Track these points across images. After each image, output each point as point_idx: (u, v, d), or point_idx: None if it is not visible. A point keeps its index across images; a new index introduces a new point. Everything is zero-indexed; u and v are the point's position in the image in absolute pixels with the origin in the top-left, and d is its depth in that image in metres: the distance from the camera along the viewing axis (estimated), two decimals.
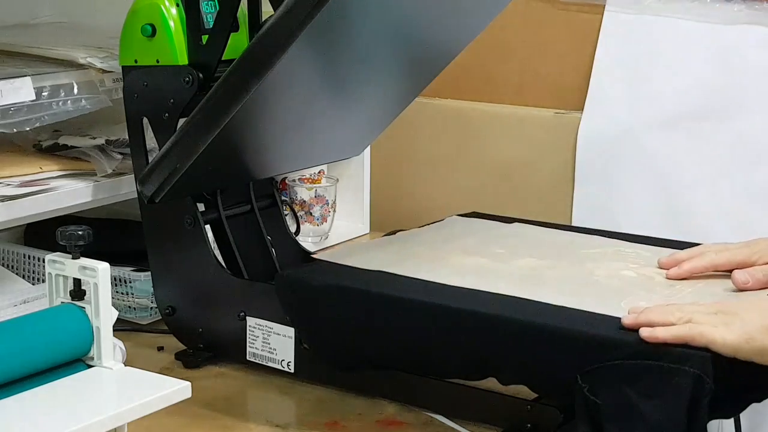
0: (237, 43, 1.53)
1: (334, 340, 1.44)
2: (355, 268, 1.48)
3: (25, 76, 1.57)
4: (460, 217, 1.74)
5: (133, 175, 1.58)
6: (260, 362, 1.52)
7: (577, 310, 1.28)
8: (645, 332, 1.17)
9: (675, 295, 1.35)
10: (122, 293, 1.73)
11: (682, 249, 1.50)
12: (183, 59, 1.51)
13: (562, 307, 1.29)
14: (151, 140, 1.56)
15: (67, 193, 1.60)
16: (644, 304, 1.27)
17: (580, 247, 1.56)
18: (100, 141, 1.69)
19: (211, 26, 1.52)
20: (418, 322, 1.35)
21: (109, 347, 1.22)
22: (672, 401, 1.14)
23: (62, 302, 1.23)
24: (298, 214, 2.05)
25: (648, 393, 1.15)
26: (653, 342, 1.16)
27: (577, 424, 1.21)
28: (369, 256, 1.52)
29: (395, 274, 1.44)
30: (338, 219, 2.11)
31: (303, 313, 1.46)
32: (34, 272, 1.79)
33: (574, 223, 2.06)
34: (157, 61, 1.52)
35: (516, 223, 1.69)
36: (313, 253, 1.64)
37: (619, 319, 1.23)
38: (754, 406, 1.65)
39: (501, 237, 1.62)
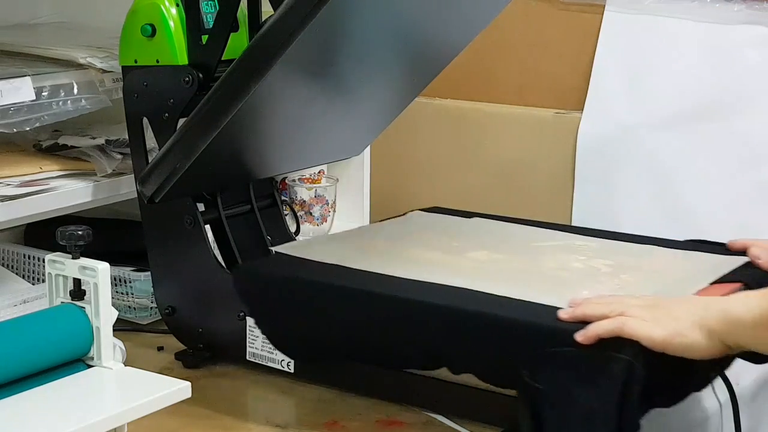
0: (237, 43, 1.53)
1: (290, 331, 1.46)
2: (312, 260, 1.50)
3: (25, 76, 1.57)
4: (422, 212, 1.78)
5: (133, 175, 1.58)
6: (260, 362, 1.52)
7: (520, 300, 1.32)
8: (579, 336, 1.20)
9: (619, 286, 1.38)
10: (122, 293, 1.73)
11: (642, 243, 1.55)
12: (183, 59, 1.51)
13: (506, 297, 1.33)
14: (151, 140, 1.56)
15: (67, 193, 1.60)
16: (587, 294, 1.30)
17: (534, 240, 1.59)
18: (100, 141, 1.68)
19: (211, 26, 1.52)
20: (369, 313, 1.38)
21: (109, 347, 1.22)
22: (605, 387, 1.17)
23: (62, 302, 1.23)
24: (298, 214, 2.05)
25: (583, 379, 1.19)
26: (587, 344, 1.20)
27: (519, 411, 1.24)
28: (327, 249, 1.54)
29: (348, 267, 1.46)
30: (338, 219, 2.11)
31: (259, 305, 1.48)
32: (34, 272, 1.79)
33: (574, 223, 2.06)
34: (157, 61, 1.52)
35: (476, 218, 1.72)
36: (273, 246, 1.64)
37: (560, 308, 1.27)
38: (754, 406, 1.66)
39: (459, 231, 1.65)
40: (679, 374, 1.25)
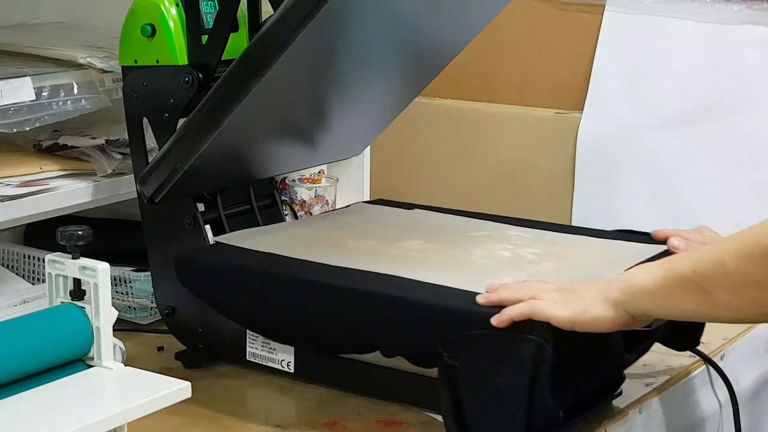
0: (237, 43, 1.53)
1: (230, 316, 1.49)
2: (250, 249, 1.51)
3: (25, 76, 1.57)
4: (366, 204, 1.82)
5: (133, 175, 1.57)
6: (260, 362, 1.52)
7: (442, 286, 1.36)
8: (494, 320, 1.26)
9: (540, 273, 1.42)
10: (122, 293, 1.73)
11: (572, 233, 1.60)
12: (183, 59, 1.51)
13: (429, 283, 1.37)
14: (151, 140, 1.56)
15: (67, 193, 1.60)
16: (507, 280, 1.36)
17: (469, 230, 1.62)
18: (100, 141, 1.68)
19: (210, 26, 1.52)
20: (301, 299, 1.41)
21: (109, 347, 1.22)
22: (517, 367, 1.23)
23: (62, 302, 1.23)
24: (298, 214, 2.04)
25: (497, 360, 1.25)
26: (502, 326, 1.26)
27: (439, 390, 1.28)
28: (267, 239, 1.56)
29: (283, 255, 1.48)
30: None
31: (200, 292, 1.51)
32: (34, 272, 1.79)
33: (574, 223, 2.06)
34: (157, 61, 1.52)
35: (416, 209, 1.75)
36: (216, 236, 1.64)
37: (479, 294, 1.31)
38: (754, 406, 1.65)
39: (397, 222, 1.68)
40: (592, 356, 1.30)
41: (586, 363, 1.31)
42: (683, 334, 1.48)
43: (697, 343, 1.51)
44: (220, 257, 1.51)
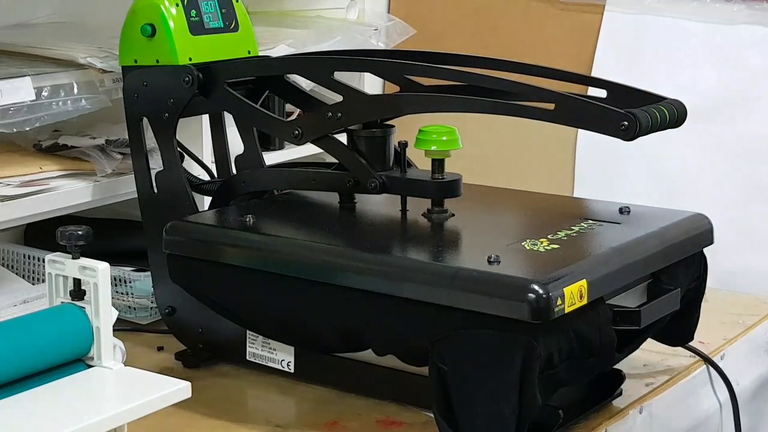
0: (237, 43, 1.53)
1: (220, 312, 1.48)
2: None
3: (25, 76, 1.57)
4: None
5: (133, 175, 1.58)
6: (260, 362, 1.52)
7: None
8: None
9: None
10: (122, 293, 1.73)
11: None
12: (183, 59, 1.51)
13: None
14: (151, 140, 1.56)
15: (67, 193, 1.60)
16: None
17: None
18: (100, 141, 1.69)
19: (211, 26, 1.52)
20: (288, 296, 1.39)
21: (109, 347, 1.22)
22: (506, 366, 1.22)
23: (62, 302, 1.23)
24: None
25: (485, 359, 1.24)
26: None
27: (431, 390, 1.28)
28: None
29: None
30: None
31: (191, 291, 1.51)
32: (34, 272, 1.79)
33: None
34: (157, 61, 1.52)
35: None
36: None
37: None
38: (754, 406, 1.65)
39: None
40: (579, 352, 1.28)
41: (574, 362, 1.29)
42: (677, 330, 1.48)
43: (691, 338, 1.50)
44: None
